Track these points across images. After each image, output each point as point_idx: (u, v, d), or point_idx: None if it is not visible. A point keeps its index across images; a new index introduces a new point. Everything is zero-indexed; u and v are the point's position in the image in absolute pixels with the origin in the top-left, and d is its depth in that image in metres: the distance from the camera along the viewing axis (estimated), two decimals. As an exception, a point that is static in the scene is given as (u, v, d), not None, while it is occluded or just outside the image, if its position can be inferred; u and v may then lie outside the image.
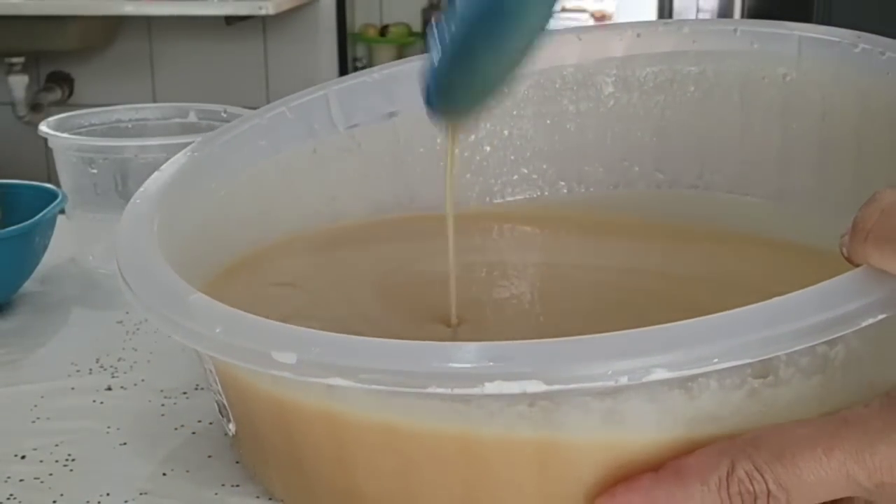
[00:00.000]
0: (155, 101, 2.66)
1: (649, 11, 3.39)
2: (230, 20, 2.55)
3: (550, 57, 0.60)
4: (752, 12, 2.05)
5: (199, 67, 2.74)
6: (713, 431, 0.35)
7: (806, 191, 0.57)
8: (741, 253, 0.56)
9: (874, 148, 0.53)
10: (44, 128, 0.74)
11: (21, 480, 0.46)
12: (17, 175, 0.78)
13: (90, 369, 0.57)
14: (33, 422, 0.51)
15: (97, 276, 0.73)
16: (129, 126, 0.82)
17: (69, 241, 0.75)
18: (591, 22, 4.43)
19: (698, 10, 2.73)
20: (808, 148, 0.56)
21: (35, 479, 0.46)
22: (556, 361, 0.32)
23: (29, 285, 0.68)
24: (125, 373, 0.57)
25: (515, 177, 0.63)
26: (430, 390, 0.32)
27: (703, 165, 0.61)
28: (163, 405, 0.53)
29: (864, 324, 0.33)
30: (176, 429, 0.50)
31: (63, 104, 2.69)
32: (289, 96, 0.59)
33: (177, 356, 0.59)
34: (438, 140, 0.59)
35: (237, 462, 0.47)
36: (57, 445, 0.49)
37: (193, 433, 0.50)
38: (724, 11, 2.35)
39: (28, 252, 0.66)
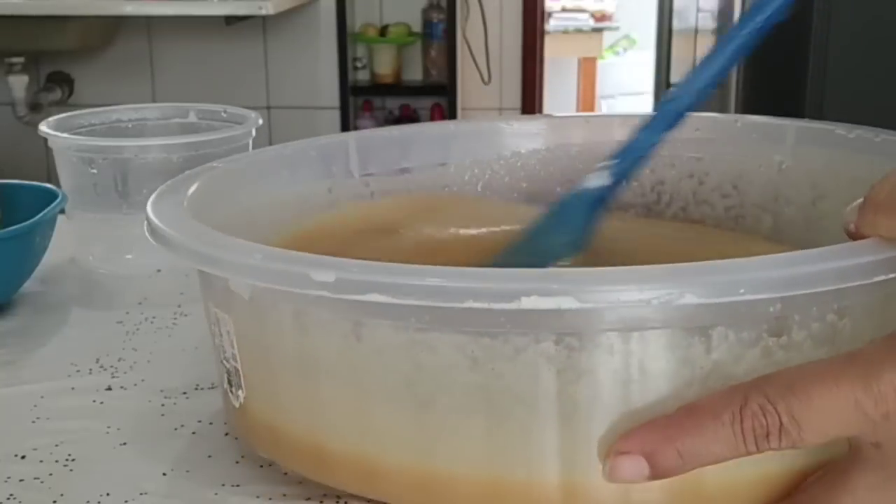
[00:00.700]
0: (155, 101, 2.66)
1: (649, 11, 3.40)
2: (230, 20, 2.55)
3: (559, 136, 0.65)
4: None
5: (199, 67, 2.74)
6: None
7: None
8: None
9: None
10: (44, 128, 0.74)
11: (21, 480, 0.46)
12: (17, 175, 0.78)
13: (90, 369, 0.57)
14: (33, 422, 0.51)
15: (97, 276, 0.73)
16: (129, 126, 0.82)
17: (69, 241, 0.75)
18: (591, 22, 4.44)
19: (698, 10, 2.73)
20: (798, 232, 0.58)
21: (35, 479, 0.46)
22: (590, 282, 0.34)
23: (29, 285, 0.68)
24: (125, 373, 0.57)
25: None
26: (466, 305, 0.34)
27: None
28: (163, 405, 0.53)
29: (876, 279, 0.35)
30: (176, 429, 0.50)
31: (63, 104, 2.69)
32: (314, 137, 0.63)
33: (177, 356, 0.59)
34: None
35: (237, 462, 0.47)
36: (57, 445, 0.49)
37: (193, 433, 0.50)
38: (725, 12, 2.35)
39: (28, 252, 0.66)
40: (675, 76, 3.00)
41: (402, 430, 0.39)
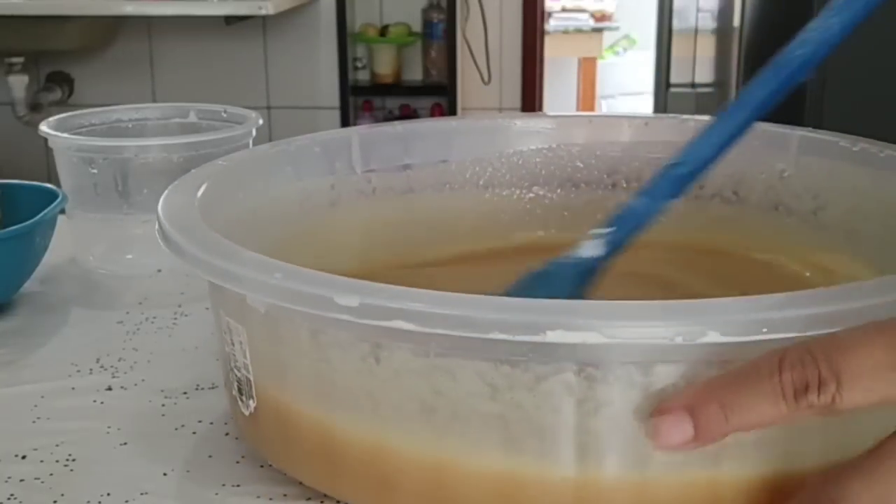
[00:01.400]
0: (155, 101, 2.66)
1: (649, 11, 3.39)
2: (230, 20, 2.55)
3: (561, 135, 0.65)
4: (752, 14, 2.05)
5: (199, 67, 2.74)
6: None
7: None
8: None
9: (864, 241, 0.55)
10: (44, 128, 0.74)
11: (21, 480, 0.46)
12: (17, 175, 0.78)
13: (90, 369, 0.57)
14: (34, 422, 0.51)
15: (97, 276, 0.73)
16: (129, 126, 0.82)
17: (69, 241, 0.75)
18: (592, 22, 4.44)
19: (698, 10, 2.73)
20: (798, 242, 0.58)
21: (35, 479, 0.46)
22: (615, 317, 0.34)
23: (29, 285, 0.68)
24: (125, 373, 0.57)
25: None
26: (492, 336, 0.34)
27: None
28: (163, 405, 0.53)
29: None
30: (176, 429, 0.50)
31: (63, 104, 2.69)
32: (318, 133, 0.63)
33: (177, 356, 0.59)
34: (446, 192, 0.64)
35: (238, 462, 0.47)
36: (57, 445, 0.49)
37: (193, 433, 0.50)
38: (725, 12, 2.35)
39: (28, 252, 0.66)
40: (675, 76, 3.00)
41: (416, 453, 0.39)
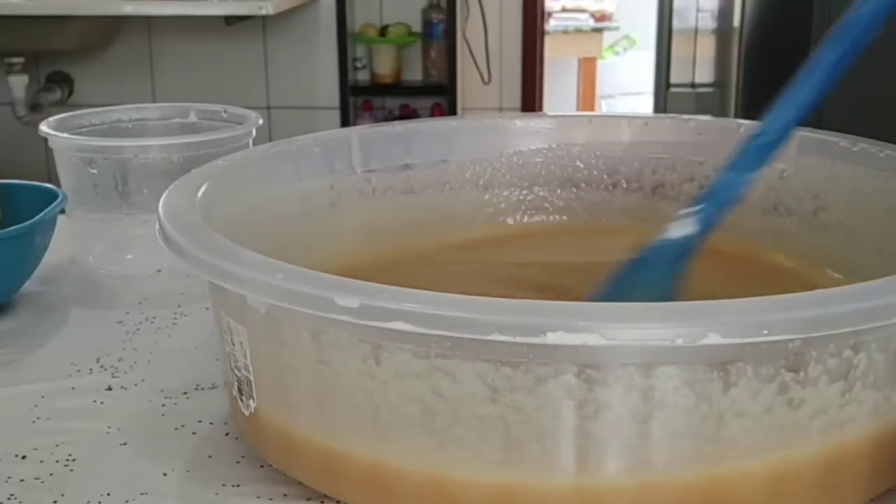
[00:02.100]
0: (155, 101, 2.66)
1: (649, 11, 3.39)
2: (230, 20, 2.55)
3: (562, 135, 0.65)
4: (752, 14, 2.05)
5: (199, 67, 2.74)
6: (739, 430, 0.36)
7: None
8: None
9: (863, 244, 0.55)
10: (44, 128, 0.74)
11: (21, 480, 0.46)
12: (17, 175, 0.78)
13: (90, 369, 0.57)
14: (33, 422, 0.51)
15: (97, 276, 0.73)
16: (129, 126, 0.82)
17: (69, 241, 0.75)
18: (591, 22, 4.44)
19: (698, 10, 2.73)
20: (799, 242, 0.58)
21: (35, 479, 0.46)
22: (615, 319, 0.34)
23: (29, 285, 0.68)
24: (125, 373, 0.57)
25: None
26: (492, 337, 0.34)
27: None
28: (163, 405, 0.53)
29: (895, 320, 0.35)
30: (176, 429, 0.50)
31: (63, 104, 2.69)
32: (318, 132, 0.63)
33: (177, 356, 0.59)
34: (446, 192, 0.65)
35: (237, 462, 0.47)
36: (57, 445, 0.49)
37: (193, 433, 0.50)
38: (725, 12, 2.35)
39: (28, 252, 0.66)
40: (675, 76, 3.00)
41: (416, 456, 0.39)
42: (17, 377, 0.57)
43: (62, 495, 0.44)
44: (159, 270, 0.72)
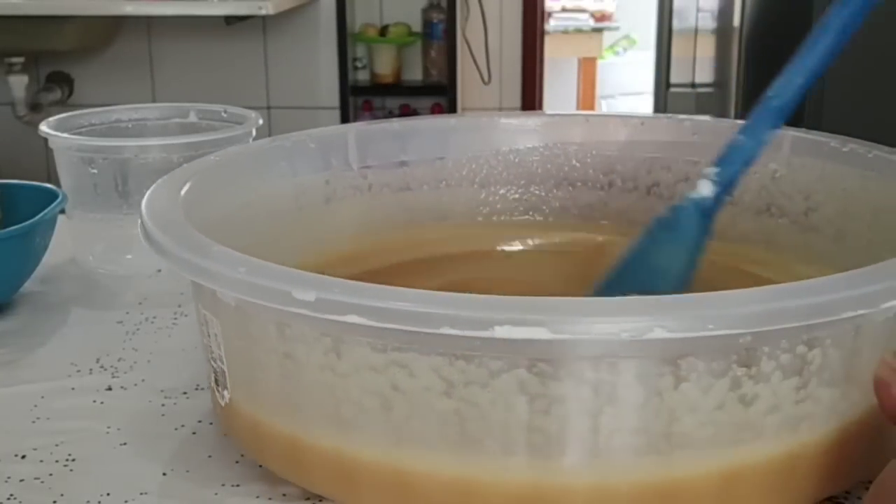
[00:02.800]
0: (155, 101, 2.66)
1: (649, 11, 3.39)
2: (230, 20, 2.55)
3: (558, 134, 0.65)
4: (752, 14, 2.05)
5: (198, 67, 2.74)
6: (692, 426, 0.36)
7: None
8: None
9: (852, 244, 0.55)
10: (44, 128, 0.74)
11: (21, 480, 0.46)
12: (17, 175, 0.78)
13: (90, 369, 0.57)
14: (33, 422, 0.51)
15: (97, 276, 0.73)
16: (129, 126, 0.82)
17: (69, 241, 0.75)
18: (591, 22, 4.44)
19: (698, 10, 2.73)
20: (791, 241, 0.59)
21: (35, 479, 0.46)
22: (563, 313, 0.34)
23: (29, 285, 0.68)
24: (125, 373, 0.57)
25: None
26: (442, 331, 0.34)
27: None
28: (163, 405, 0.53)
29: (844, 315, 0.35)
30: (176, 429, 0.50)
31: (63, 104, 2.69)
32: (314, 129, 0.63)
33: (177, 356, 0.59)
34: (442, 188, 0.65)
35: (237, 462, 0.47)
36: (57, 445, 0.49)
37: (193, 433, 0.50)
38: (725, 12, 2.35)
39: (28, 252, 0.66)
40: (675, 76, 3.00)
41: (376, 449, 0.39)
42: (16, 377, 0.57)
43: (62, 495, 0.44)
44: (159, 270, 0.72)
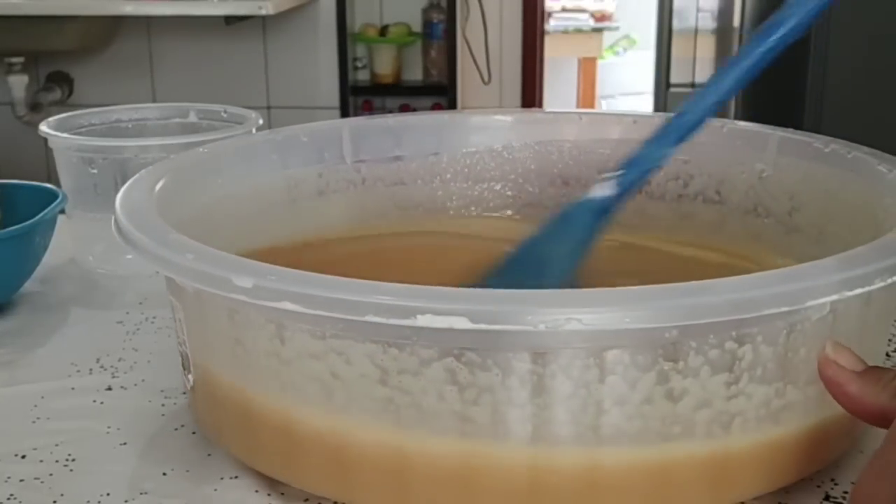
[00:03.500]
0: (155, 101, 2.66)
1: (649, 11, 3.40)
2: (230, 20, 2.55)
3: (551, 131, 0.65)
4: (752, 14, 2.05)
5: (198, 67, 2.74)
6: (620, 419, 0.37)
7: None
8: None
9: (832, 245, 0.55)
10: (44, 128, 0.74)
11: (21, 480, 0.46)
12: (17, 175, 0.78)
13: (90, 369, 0.57)
14: (33, 422, 0.51)
15: (97, 276, 0.73)
16: (129, 126, 0.82)
17: (69, 241, 0.75)
18: (591, 22, 4.44)
19: (698, 10, 2.73)
20: (777, 241, 0.59)
21: (35, 479, 0.46)
22: (482, 303, 0.34)
23: (29, 285, 0.68)
24: (125, 373, 0.57)
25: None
26: (367, 318, 0.35)
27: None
28: (163, 405, 0.53)
29: (768, 311, 0.35)
30: (176, 429, 0.50)
31: (63, 104, 2.69)
32: (307, 123, 0.63)
33: (176, 356, 0.58)
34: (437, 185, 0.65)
35: (237, 461, 0.47)
36: (57, 445, 0.49)
37: (193, 433, 0.50)
38: (725, 12, 2.35)
39: (28, 252, 0.66)
40: (675, 76, 3.00)
41: (319, 432, 0.40)
42: (16, 377, 0.57)
43: (62, 495, 0.44)
44: (159, 271, 0.72)
